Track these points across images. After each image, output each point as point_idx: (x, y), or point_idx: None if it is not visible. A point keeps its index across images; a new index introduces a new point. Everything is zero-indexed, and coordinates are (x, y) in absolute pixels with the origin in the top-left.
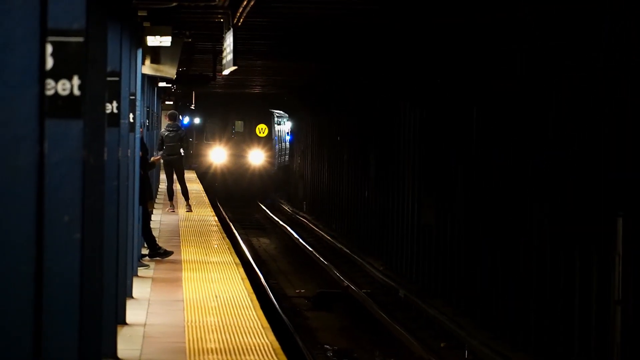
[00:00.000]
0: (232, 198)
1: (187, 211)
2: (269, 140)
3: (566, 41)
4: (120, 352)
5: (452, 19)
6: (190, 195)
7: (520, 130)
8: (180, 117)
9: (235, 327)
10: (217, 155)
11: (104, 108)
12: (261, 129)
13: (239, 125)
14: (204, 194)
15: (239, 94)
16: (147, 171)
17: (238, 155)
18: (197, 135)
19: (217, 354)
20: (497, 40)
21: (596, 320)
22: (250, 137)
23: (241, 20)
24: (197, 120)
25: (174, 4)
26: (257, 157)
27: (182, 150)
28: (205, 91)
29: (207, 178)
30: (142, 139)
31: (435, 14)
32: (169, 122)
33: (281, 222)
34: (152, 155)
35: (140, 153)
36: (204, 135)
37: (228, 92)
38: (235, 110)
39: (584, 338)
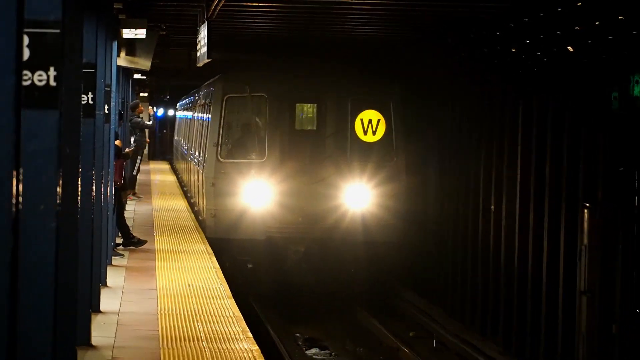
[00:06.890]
0: (296, 315)
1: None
2: (390, 153)
3: None
4: (94, 340)
5: None
6: (163, 185)
7: (483, 125)
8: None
9: (207, 316)
10: (257, 193)
11: (79, 99)
12: (369, 124)
13: (306, 113)
14: (175, 182)
15: (308, 42)
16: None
17: (309, 194)
18: (203, 140)
19: (189, 341)
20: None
21: (563, 310)
22: (338, 145)
23: (216, 12)
24: (205, 112)
25: None
26: (359, 197)
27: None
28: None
29: (233, 256)
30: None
31: None
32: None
33: None
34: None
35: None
36: (219, 145)
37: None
38: (303, 79)
39: (551, 328)
